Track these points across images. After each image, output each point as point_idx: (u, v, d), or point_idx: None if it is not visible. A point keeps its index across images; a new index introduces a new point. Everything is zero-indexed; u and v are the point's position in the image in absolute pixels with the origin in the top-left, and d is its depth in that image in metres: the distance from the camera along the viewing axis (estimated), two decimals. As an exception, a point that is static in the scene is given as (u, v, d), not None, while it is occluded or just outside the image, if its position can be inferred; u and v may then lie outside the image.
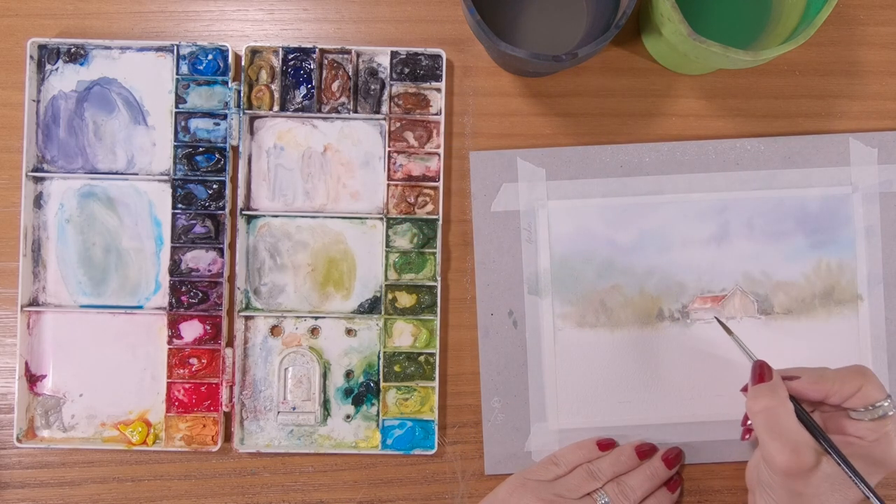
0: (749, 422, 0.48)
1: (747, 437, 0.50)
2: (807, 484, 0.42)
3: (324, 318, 0.53)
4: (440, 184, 0.53)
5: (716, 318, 0.52)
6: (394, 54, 0.53)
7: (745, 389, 0.47)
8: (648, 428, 0.53)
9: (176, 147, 0.52)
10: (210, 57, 0.52)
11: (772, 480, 0.44)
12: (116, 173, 0.53)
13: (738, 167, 0.53)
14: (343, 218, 0.53)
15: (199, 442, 0.52)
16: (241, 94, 0.52)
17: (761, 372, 0.45)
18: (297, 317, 0.53)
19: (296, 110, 0.53)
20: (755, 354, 0.47)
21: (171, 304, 0.52)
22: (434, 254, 0.53)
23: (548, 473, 0.50)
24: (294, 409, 0.52)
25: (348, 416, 0.53)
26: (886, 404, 0.43)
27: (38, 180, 0.53)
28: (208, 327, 0.52)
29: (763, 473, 0.45)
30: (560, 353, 0.53)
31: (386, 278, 0.53)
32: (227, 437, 0.53)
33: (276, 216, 0.53)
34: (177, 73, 0.52)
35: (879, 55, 0.54)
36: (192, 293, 0.52)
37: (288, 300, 0.53)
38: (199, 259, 0.53)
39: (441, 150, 0.53)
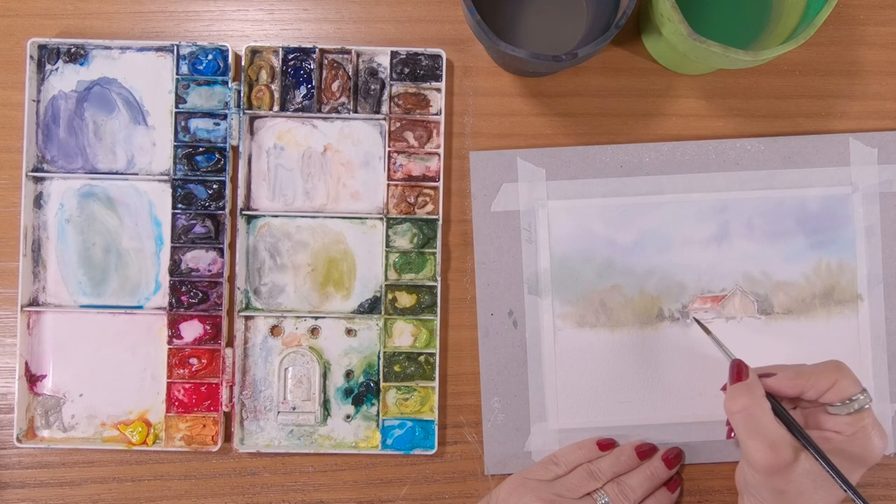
0: None
1: (732, 435, 0.50)
2: (788, 481, 0.42)
3: (324, 318, 0.53)
4: (440, 184, 0.53)
5: (694, 318, 0.52)
6: (394, 54, 0.53)
7: (724, 389, 0.47)
8: (648, 428, 0.53)
9: (176, 147, 0.52)
10: (210, 57, 0.52)
11: (755, 480, 0.44)
12: (116, 173, 0.53)
13: (738, 167, 0.53)
14: (343, 218, 0.53)
15: (199, 442, 0.52)
16: (241, 94, 0.52)
17: (738, 371, 0.45)
18: (297, 317, 0.53)
19: (296, 110, 0.53)
20: (733, 353, 0.47)
21: (171, 304, 0.52)
22: (434, 254, 0.53)
23: (548, 473, 0.50)
24: (294, 409, 0.53)
25: (348, 416, 0.53)
26: (862, 398, 0.43)
27: (38, 180, 0.53)
28: (208, 327, 0.52)
29: (748, 474, 0.45)
30: (560, 353, 0.53)
31: (386, 278, 0.53)
32: (227, 437, 0.53)
33: (276, 216, 0.53)
34: (177, 73, 0.52)
35: (879, 55, 0.54)
36: (192, 293, 0.52)
37: (288, 300, 0.53)
38: (199, 259, 0.53)
39: (441, 150, 0.53)
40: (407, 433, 0.52)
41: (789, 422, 0.44)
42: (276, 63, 0.53)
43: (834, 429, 0.44)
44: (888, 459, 0.53)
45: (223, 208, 0.52)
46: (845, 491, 0.41)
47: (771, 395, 0.44)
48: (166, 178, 0.53)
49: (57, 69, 0.53)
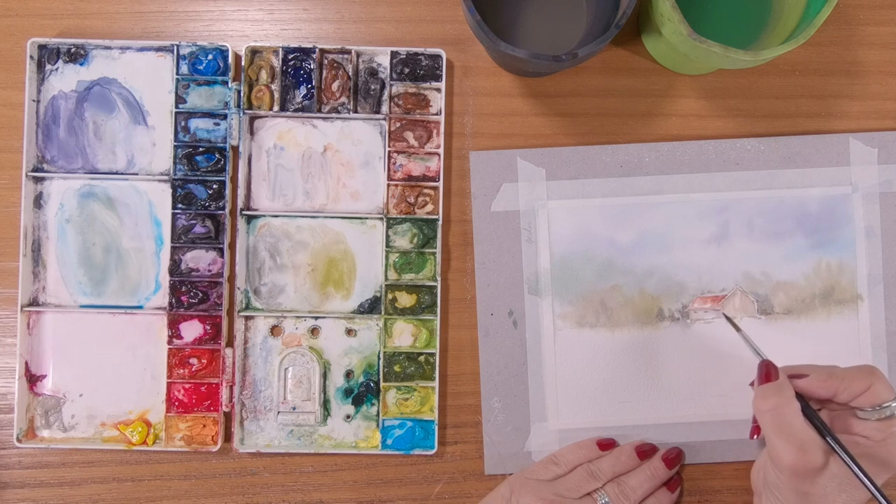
0: None
1: (756, 435, 0.50)
2: (813, 484, 0.42)
3: (324, 318, 0.53)
4: (440, 184, 0.53)
5: (724, 314, 0.52)
6: (394, 54, 0.53)
7: (752, 385, 0.46)
8: (648, 428, 0.53)
9: (176, 147, 0.52)
10: (210, 57, 0.52)
11: (778, 481, 0.44)
12: (116, 173, 0.53)
13: (738, 167, 0.53)
14: (343, 218, 0.53)
15: (199, 442, 0.52)
16: (241, 94, 0.52)
17: (767, 371, 0.45)
18: (297, 317, 0.53)
19: (296, 110, 0.53)
20: (763, 353, 0.47)
21: (171, 304, 0.52)
22: (434, 254, 0.53)
23: (548, 473, 0.50)
24: (294, 409, 0.53)
25: (348, 416, 0.53)
26: (895, 404, 0.43)
27: (38, 180, 0.53)
28: (208, 327, 0.52)
29: (770, 474, 0.45)
30: (560, 353, 0.53)
31: (386, 278, 0.53)
32: (227, 437, 0.53)
33: (276, 216, 0.53)
34: (177, 73, 0.52)
35: (879, 55, 0.54)
36: (192, 293, 0.52)
37: (288, 300, 0.53)
38: (199, 259, 0.53)
39: (441, 150, 0.53)
40: (407, 433, 0.52)
41: (818, 423, 0.43)
42: (276, 63, 0.53)
43: (862, 433, 0.43)
44: None
45: (223, 208, 0.52)
46: (875, 496, 0.41)
47: (800, 396, 0.44)
48: (166, 178, 0.53)
49: (57, 69, 0.53)
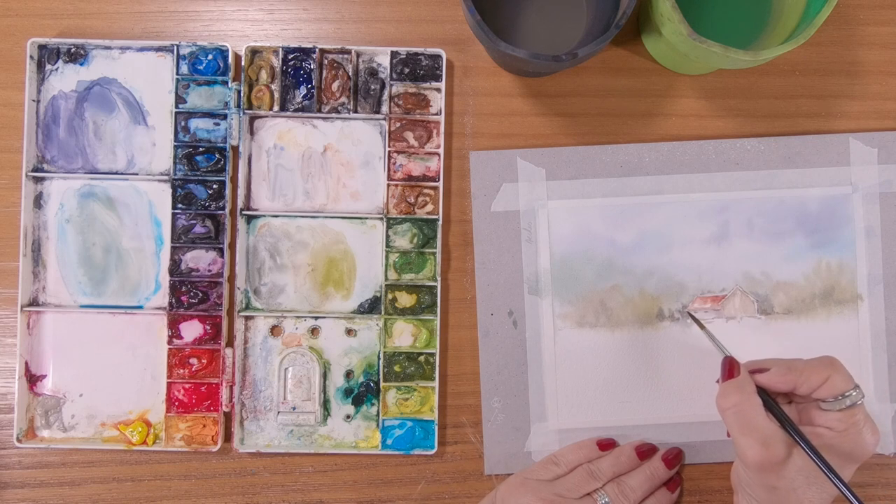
0: None
1: None
2: (780, 477, 0.42)
3: (324, 318, 0.53)
4: (440, 184, 0.53)
5: (688, 312, 0.52)
6: (394, 54, 0.53)
7: (719, 382, 0.47)
8: (648, 428, 0.53)
9: (176, 147, 0.52)
10: (210, 57, 0.52)
11: (748, 477, 0.44)
12: (116, 173, 0.53)
13: (738, 167, 0.53)
14: (343, 218, 0.53)
15: (199, 442, 0.52)
16: (241, 94, 0.52)
17: (730, 368, 0.45)
18: (297, 317, 0.53)
19: (296, 110, 0.53)
20: (726, 349, 0.47)
21: (171, 304, 0.52)
22: (434, 254, 0.53)
23: (548, 473, 0.50)
24: (294, 409, 0.53)
25: (348, 416, 0.53)
26: (854, 394, 0.43)
27: (38, 180, 0.53)
28: (208, 327, 0.52)
29: (741, 472, 0.45)
30: (560, 353, 0.53)
31: (386, 278, 0.53)
32: (227, 437, 0.53)
33: (276, 216, 0.53)
34: (177, 73, 0.52)
35: (879, 55, 0.54)
36: (192, 293, 0.52)
37: (288, 300, 0.53)
38: (199, 259, 0.53)
39: (441, 150, 0.53)
40: (407, 433, 0.52)
41: (781, 417, 0.44)
42: (276, 63, 0.53)
43: (826, 424, 0.44)
44: (888, 459, 0.53)
45: (223, 208, 0.52)
46: (836, 487, 0.41)
47: (764, 391, 0.45)
48: (166, 178, 0.53)
49: (57, 69, 0.53)
